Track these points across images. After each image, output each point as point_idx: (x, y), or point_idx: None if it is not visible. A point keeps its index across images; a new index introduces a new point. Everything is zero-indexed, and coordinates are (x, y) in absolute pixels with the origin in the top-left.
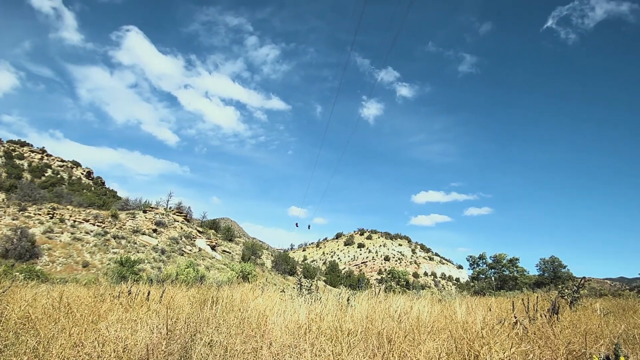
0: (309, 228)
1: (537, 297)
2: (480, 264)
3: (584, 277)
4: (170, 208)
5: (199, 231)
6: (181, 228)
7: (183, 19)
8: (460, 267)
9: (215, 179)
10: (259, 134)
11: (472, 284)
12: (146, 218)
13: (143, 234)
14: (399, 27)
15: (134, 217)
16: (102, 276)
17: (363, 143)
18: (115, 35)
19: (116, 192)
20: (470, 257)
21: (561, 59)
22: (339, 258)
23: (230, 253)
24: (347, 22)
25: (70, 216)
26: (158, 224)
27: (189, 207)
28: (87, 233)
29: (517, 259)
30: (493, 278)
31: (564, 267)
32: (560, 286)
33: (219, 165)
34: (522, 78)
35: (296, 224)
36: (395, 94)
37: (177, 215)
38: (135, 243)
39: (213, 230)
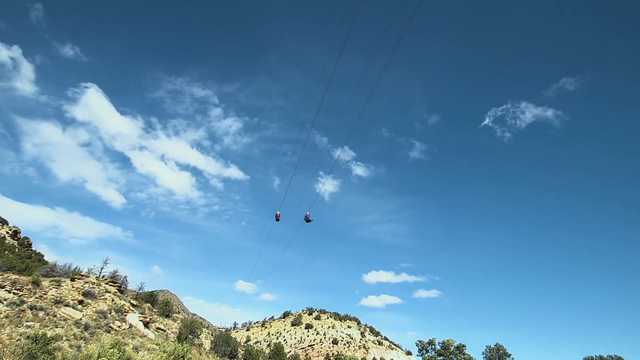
0: (307, 221)
1: None
2: (429, 350)
3: None
4: (103, 277)
5: (132, 304)
6: (112, 300)
7: (149, 85)
8: (409, 353)
9: (160, 247)
10: (213, 203)
11: None
12: (73, 287)
13: (66, 305)
14: (358, 116)
15: (59, 285)
16: (9, 356)
17: (318, 219)
18: (73, 91)
19: (43, 256)
20: (420, 342)
21: (498, 153)
22: (285, 340)
23: (165, 331)
24: (308, 103)
25: None
26: (86, 294)
27: (125, 277)
28: None
29: (464, 346)
30: None
31: (509, 356)
32: None
33: (166, 232)
34: (465, 167)
35: (277, 216)
36: (351, 173)
37: (110, 285)
38: (56, 316)
39: (149, 304)
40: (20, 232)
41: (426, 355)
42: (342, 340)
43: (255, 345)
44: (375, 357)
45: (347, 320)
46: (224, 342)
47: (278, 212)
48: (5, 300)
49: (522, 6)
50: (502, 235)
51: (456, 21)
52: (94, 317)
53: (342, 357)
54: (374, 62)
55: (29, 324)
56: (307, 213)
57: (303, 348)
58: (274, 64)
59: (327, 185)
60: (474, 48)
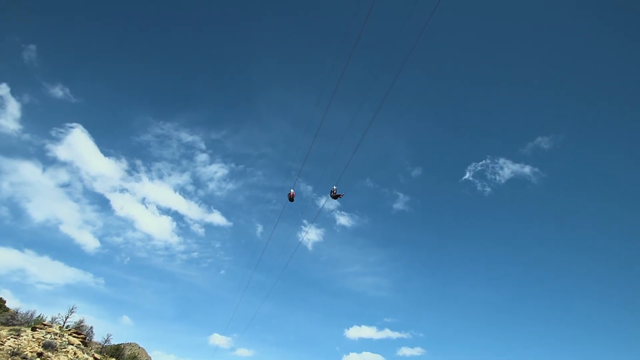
0: (335, 197)
1: None
2: None
3: None
4: (67, 327)
5: (96, 358)
6: (74, 354)
7: (137, 128)
8: None
9: (132, 295)
10: (193, 249)
11: None
12: (33, 337)
13: (24, 358)
14: (344, 167)
15: (18, 335)
16: None
17: (299, 269)
18: (57, 131)
19: (5, 302)
20: None
21: (479, 207)
22: None
23: None
24: (294, 152)
25: None
26: (47, 346)
27: (91, 328)
28: None
29: None
30: None
31: None
32: None
33: (140, 279)
34: (448, 220)
35: (291, 195)
36: (335, 222)
37: (74, 336)
38: None
39: (114, 359)
40: None
41: None
42: None
43: None
44: None
45: None
46: None
47: (292, 191)
48: None
49: (496, 73)
50: (484, 292)
51: (437, 84)
52: None
53: None
54: (360, 115)
55: None
56: (334, 187)
57: None
58: (263, 113)
59: (311, 235)
60: (454, 106)
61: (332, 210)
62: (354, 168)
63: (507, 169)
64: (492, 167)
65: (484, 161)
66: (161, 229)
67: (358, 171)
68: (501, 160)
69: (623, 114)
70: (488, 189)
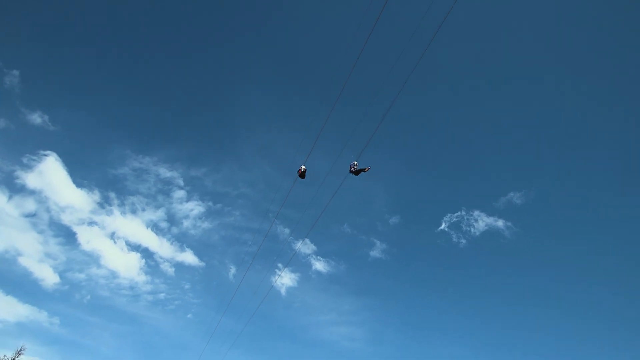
0: (357, 173)
1: None
2: None
3: None
4: None
5: None
6: None
7: (114, 160)
8: None
9: (90, 337)
10: (160, 290)
11: None
12: None
13: None
14: (322, 210)
15: None
16: None
17: (271, 315)
18: (29, 158)
19: None
20: None
21: (455, 258)
22: None
23: None
24: (273, 194)
25: None
26: None
27: None
28: None
29: None
30: None
31: None
32: None
33: (99, 320)
34: (424, 271)
35: (301, 172)
36: (311, 267)
37: None
38: None
39: None
40: None
41: None
42: None
43: None
44: None
45: None
46: None
47: (303, 167)
48: None
49: (471, 127)
50: (458, 348)
51: (418, 134)
52: None
53: None
54: (340, 160)
55: None
56: (355, 162)
57: None
58: (244, 152)
59: (285, 279)
60: (432, 156)
61: (308, 255)
62: (332, 213)
63: (482, 221)
64: (467, 219)
65: (459, 212)
66: (128, 266)
67: (337, 216)
68: (476, 213)
69: (592, 172)
70: (463, 241)
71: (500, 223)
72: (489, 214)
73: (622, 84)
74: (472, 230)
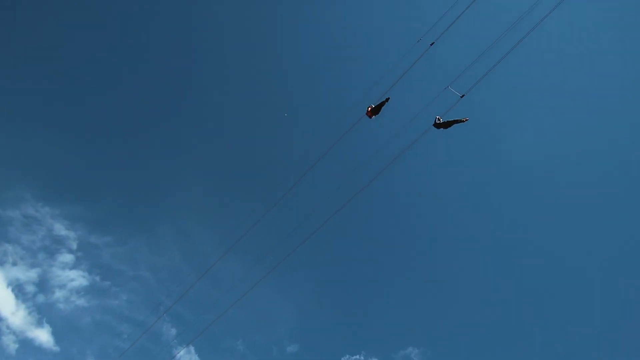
0: (442, 124)
1: None
2: None
3: None
4: None
5: None
6: None
7: (6, 200)
8: None
9: None
10: None
11: None
12: None
13: None
14: (219, 316)
15: None
16: None
17: None
18: None
19: None
20: None
21: None
22: None
23: None
24: (175, 287)
25: None
26: None
27: None
28: None
29: None
30: None
31: None
32: None
33: None
34: None
35: (371, 110)
36: None
37: None
38: None
39: None
40: None
41: None
42: None
43: None
44: None
45: None
46: None
47: (372, 105)
48: None
49: (386, 274)
50: None
51: (334, 266)
52: None
53: None
54: (253, 272)
55: None
56: (439, 117)
57: None
58: (159, 232)
59: None
60: (344, 292)
61: None
62: (231, 324)
63: None
64: None
65: (357, 356)
66: None
67: (234, 329)
68: None
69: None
70: None
71: None
72: None
73: None
74: None
